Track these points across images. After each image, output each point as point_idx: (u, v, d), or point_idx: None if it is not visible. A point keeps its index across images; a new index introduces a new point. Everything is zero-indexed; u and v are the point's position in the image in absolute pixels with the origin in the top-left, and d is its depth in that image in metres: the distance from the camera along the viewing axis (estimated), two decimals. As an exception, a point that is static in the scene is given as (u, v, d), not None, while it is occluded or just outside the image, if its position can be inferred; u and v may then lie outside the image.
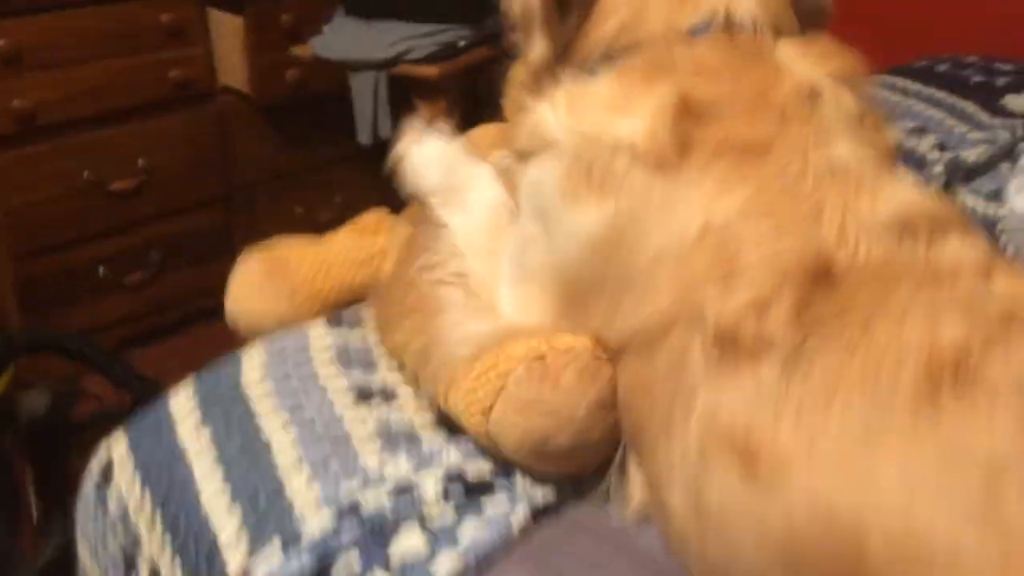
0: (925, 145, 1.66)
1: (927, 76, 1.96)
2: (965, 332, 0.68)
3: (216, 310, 2.65)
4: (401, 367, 1.04)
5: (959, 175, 1.52)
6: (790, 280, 0.74)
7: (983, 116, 1.75)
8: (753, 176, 0.81)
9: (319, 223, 2.84)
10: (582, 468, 0.91)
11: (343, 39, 2.36)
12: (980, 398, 0.65)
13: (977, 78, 1.92)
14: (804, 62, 0.89)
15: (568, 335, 0.91)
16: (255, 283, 1.19)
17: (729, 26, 0.89)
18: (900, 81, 1.96)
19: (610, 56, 0.92)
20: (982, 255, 0.78)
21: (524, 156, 0.97)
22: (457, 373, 0.93)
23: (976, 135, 1.66)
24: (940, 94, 1.87)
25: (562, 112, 0.90)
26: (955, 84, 1.90)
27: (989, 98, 1.82)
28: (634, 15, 0.92)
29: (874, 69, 2.05)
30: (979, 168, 1.54)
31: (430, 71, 2.28)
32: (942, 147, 1.65)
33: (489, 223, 1.06)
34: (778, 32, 0.91)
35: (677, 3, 0.91)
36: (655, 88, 0.85)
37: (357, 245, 1.22)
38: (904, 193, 0.81)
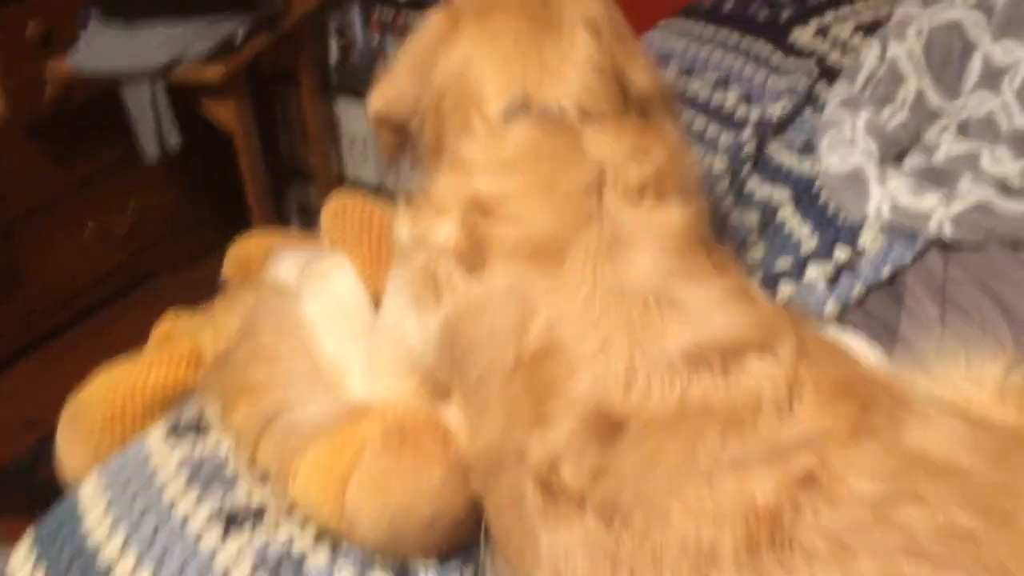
0: (731, 99, 1.69)
1: (717, 17, 1.98)
2: (775, 490, 0.68)
3: (13, 357, 2.41)
4: (238, 448, 0.99)
5: (768, 132, 1.55)
6: (589, 432, 0.74)
7: (776, 57, 1.79)
8: (547, 297, 0.80)
9: (116, 237, 2.64)
10: (442, 543, 0.89)
11: (105, 49, 2.14)
12: (799, 563, 0.65)
13: (763, 13, 1.95)
14: (602, 143, 0.88)
15: (425, 406, 0.92)
16: (65, 439, 1.10)
17: (535, 110, 0.90)
18: (692, 26, 1.96)
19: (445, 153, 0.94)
20: (783, 376, 0.75)
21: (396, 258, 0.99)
22: (306, 451, 0.89)
23: (776, 82, 1.69)
24: (733, 37, 1.89)
25: (409, 219, 0.92)
26: (744, 23, 1.92)
27: (778, 35, 1.85)
28: (463, 113, 0.93)
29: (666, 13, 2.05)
30: (785, 120, 1.58)
31: (213, 72, 2.12)
32: (748, 99, 1.67)
33: (343, 309, 1.05)
34: (589, 115, 0.91)
35: (492, 93, 0.92)
36: (460, 187, 0.88)
37: (157, 367, 1.14)
38: (698, 318, 0.78)
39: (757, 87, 1.71)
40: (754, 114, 1.60)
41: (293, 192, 2.87)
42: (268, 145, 2.55)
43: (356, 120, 2.70)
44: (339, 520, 0.87)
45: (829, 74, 1.69)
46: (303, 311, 1.06)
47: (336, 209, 1.19)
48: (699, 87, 1.74)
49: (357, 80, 2.64)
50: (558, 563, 0.74)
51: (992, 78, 1.40)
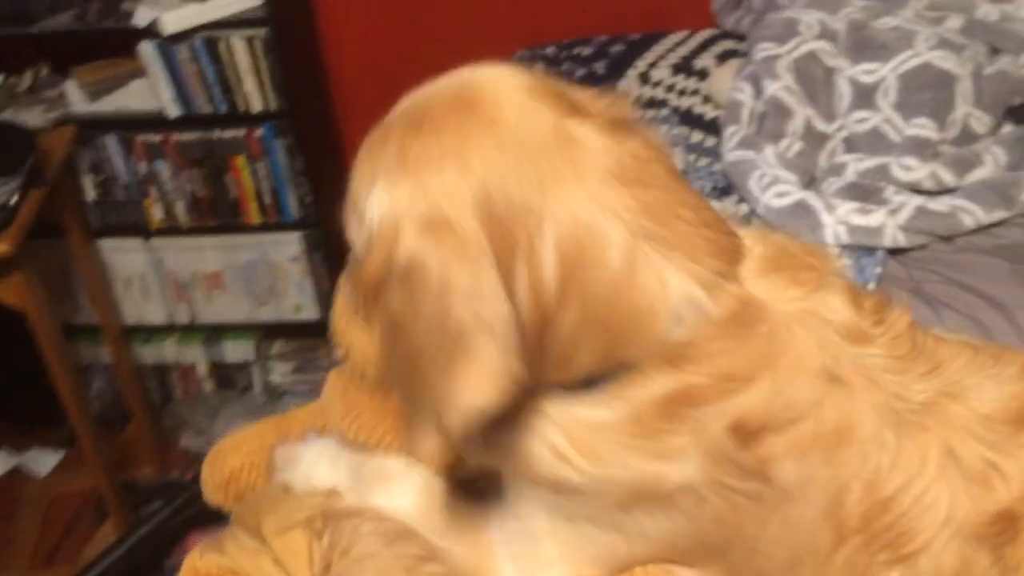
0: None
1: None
2: None
3: None
4: None
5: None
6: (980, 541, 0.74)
7: (620, 110, 1.86)
8: (861, 475, 0.75)
9: None
10: None
11: None
12: None
13: (579, 72, 2.02)
14: (779, 299, 0.76)
15: None
16: None
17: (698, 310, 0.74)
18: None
19: (595, 381, 0.76)
20: None
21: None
22: None
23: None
24: None
25: (566, 449, 0.76)
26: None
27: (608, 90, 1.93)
28: (612, 336, 0.74)
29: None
30: (686, 171, 1.65)
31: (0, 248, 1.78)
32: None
33: (436, 503, 0.93)
34: (729, 277, 0.76)
35: (648, 315, 0.73)
36: (686, 421, 0.74)
37: None
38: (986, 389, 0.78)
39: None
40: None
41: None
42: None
43: (127, 260, 2.40)
44: None
45: (685, 118, 1.80)
46: (389, 511, 0.93)
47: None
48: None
49: (124, 215, 2.35)
50: None
51: (865, 96, 1.57)
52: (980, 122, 1.54)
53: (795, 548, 0.76)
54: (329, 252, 2.38)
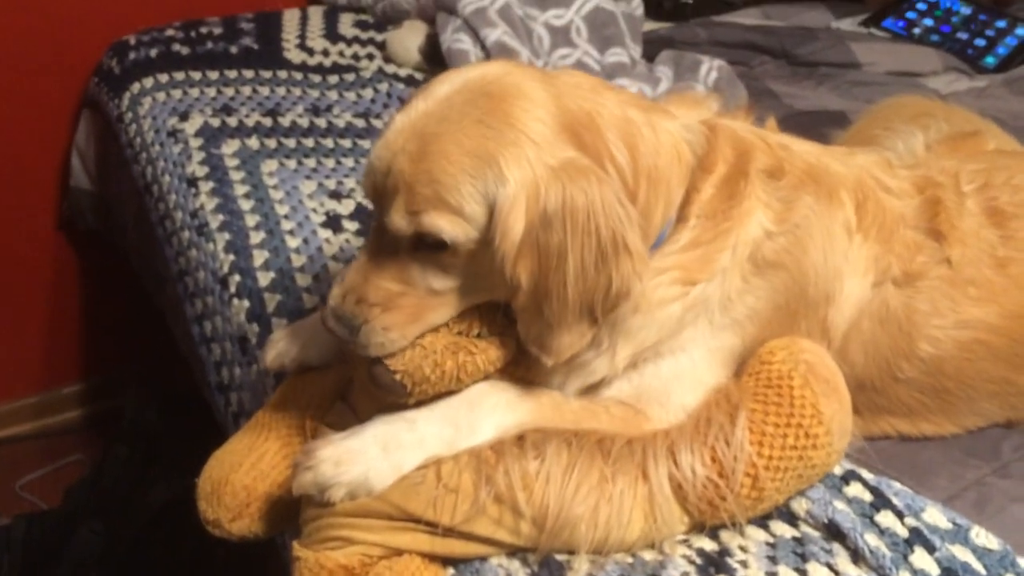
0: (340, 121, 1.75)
1: (193, 63, 1.88)
2: None
3: None
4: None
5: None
6: None
7: (300, 76, 1.87)
8: None
9: None
10: None
11: None
12: None
13: (232, 48, 1.93)
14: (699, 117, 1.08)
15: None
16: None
17: (692, 133, 1.03)
18: (187, 76, 1.83)
19: (663, 232, 1.00)
20: None
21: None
22: None
23: (346, 94, 1.81)
24: (266, 73, 1.87)
25: (679, 281, 0.99)
26: (230, 60, 1.89)
27: (272, 60, 1.91)
28: (667, 184, 0.99)
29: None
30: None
31: None
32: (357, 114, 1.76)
33: (551, 402, 1.00)
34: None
35: (675, 153, 0.99)
36: (739, 189, 1.01)
37: None
38: None
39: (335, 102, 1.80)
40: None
41: None
42: None
43: None
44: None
45: (392, 78, 1.88)
46: (515, 429, 0.97)
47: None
48: (291, 120, 1.73)
49: None
50: None
51: (561, 37, 1.86)
52: (636, 52, 1.94)
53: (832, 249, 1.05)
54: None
